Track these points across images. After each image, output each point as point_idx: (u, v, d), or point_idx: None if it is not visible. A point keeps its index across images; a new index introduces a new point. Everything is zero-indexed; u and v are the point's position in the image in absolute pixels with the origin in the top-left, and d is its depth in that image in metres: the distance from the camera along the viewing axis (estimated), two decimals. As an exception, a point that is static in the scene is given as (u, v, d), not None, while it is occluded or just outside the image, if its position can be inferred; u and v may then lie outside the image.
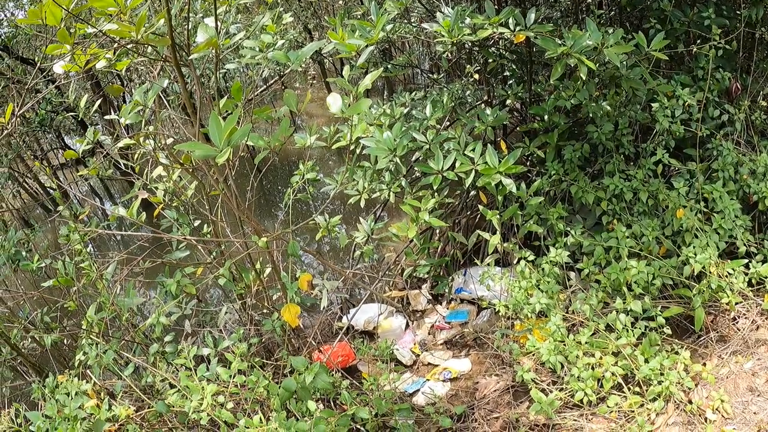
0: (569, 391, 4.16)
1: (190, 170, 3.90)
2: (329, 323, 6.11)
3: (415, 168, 4.77)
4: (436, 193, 4.98)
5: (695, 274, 4.49)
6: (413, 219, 4.30)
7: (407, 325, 5.85)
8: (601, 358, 4.15)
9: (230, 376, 3.46)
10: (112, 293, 4.31)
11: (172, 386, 3.61)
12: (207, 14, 3.84)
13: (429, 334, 5.78)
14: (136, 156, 4.54)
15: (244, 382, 3.57)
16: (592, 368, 4.14)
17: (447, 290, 5.99)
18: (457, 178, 4.33)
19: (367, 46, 4.25)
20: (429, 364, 5.42)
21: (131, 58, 3.49)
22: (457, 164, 4.33)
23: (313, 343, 5.46)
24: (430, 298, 6.15)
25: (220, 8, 3.56)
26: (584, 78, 3.95)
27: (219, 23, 3.27)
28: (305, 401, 3.31)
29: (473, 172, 4.29)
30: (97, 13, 2.97)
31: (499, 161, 4.20)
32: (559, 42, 4.02)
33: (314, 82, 13.22)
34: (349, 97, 3.96)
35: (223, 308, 4.82)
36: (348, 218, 8.31)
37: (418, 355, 5.52)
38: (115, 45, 3.24)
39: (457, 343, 5.58)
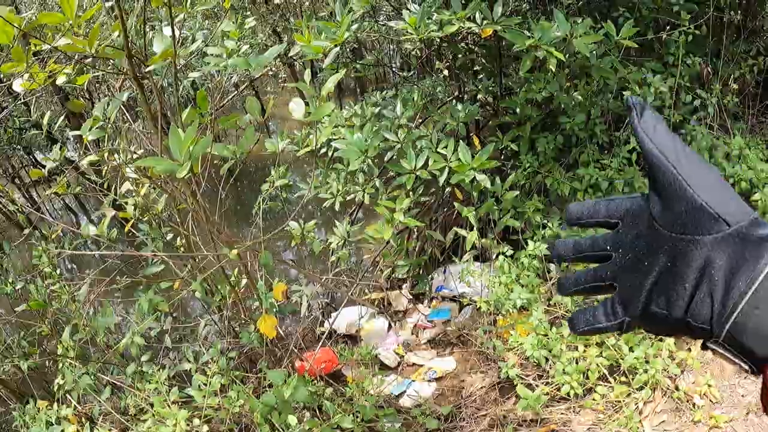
0: (555, 385, 4.13)
1: (159, 184, 3.82)
2: (312, 329, 6.04)
3: (388, 168, 4.72)
4: (410, 193, 4.93)
5: (675, 260, 4.46)
6: (388, 220, 4.25)
7: (390, 327, 5.80)
8: (584, 350, 4.12)
9: (204, 396, 3.39)
10: (86, 314, 4.23)
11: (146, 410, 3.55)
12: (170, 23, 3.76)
13: (412, 334, 5.73)
14: (104, 171, 4.46)
15: (218, 403, 3.50)
16: (577, 361, 4.10)
17: (427, 289, 5.94)
18: (430, 177, 4.28)
19: (333, 47, 4.19)
20: (414, 364, 5.37)
21: (91, 72, 3.41)
22: (430, 162, 4.28)
23: (296, 351, 5.41)
24: (411, 297, 6.10)
25: (179, 16, 3.48)
26: (554, 69, 3.90)
27: (177, 32, 3.19)
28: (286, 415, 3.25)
29: (447, 169, 4.24)
30: (47, 29, 2.89)
31: (473, 157, 4.16)
32: (527, 34, 3.97)
33: (285, 85, 13.12)
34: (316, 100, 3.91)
35: (202, 321, 4.75)
36: (326, 222, 8.22)
37: (402, 356, 5.47)
38: (74, 60, 3.17)
39: (441, 342, 5.53)
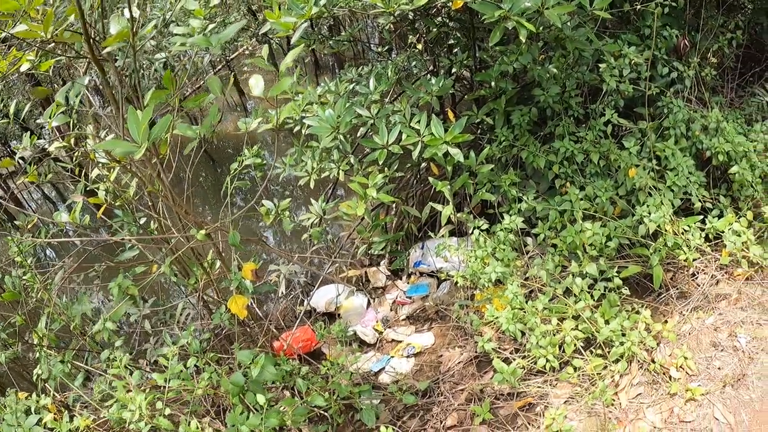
0: (532, 358, 4.13)
1: (128, 168, 3.78)
2: (292, 308, 6.03)
3: (362, 144, 4.68)
4: (386, 168, 4.91)
5: (651, 233, 4.45)
6: (362, 196, 4.23)
7: (369, 303, 5.79)
8: (558, 324, 4.12)
9: (166, 380, 3.37)
10: (61, 302, 4.20)
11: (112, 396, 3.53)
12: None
13: (391, 310, 5.73)
14: (74, 158, 4.41)
15: (180, 385, 3.48)
16: (553, 334, 4.10)
17: (405, 264, 5.94)
18: (402, 152, 4.25)
19: (302, 22, 4.14)
20: (393, 340, 5.38)
21: (53, 58, 3.36)
22: (404, 137, 4.25)
23: (274, 330, 5.40)
24: (389, 274, 6.09)
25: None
26: (524, 41, 3.85)
27: (138, 12, 3.15)
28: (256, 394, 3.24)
29: (420, 143, 4.21)
30: (5, 16, 2.84)
31: (446, 131, 4.13)
32: (498, 5, 3.92)
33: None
34: (293, 76, 3.86)
35: (180, 304, 4.73)
36: (307, 200, 8.17)
37: (381, 333, 5.47)
38: (34, 46, 3.12)
39: (420, 317, 5.54)
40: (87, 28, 2.89)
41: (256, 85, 2.84)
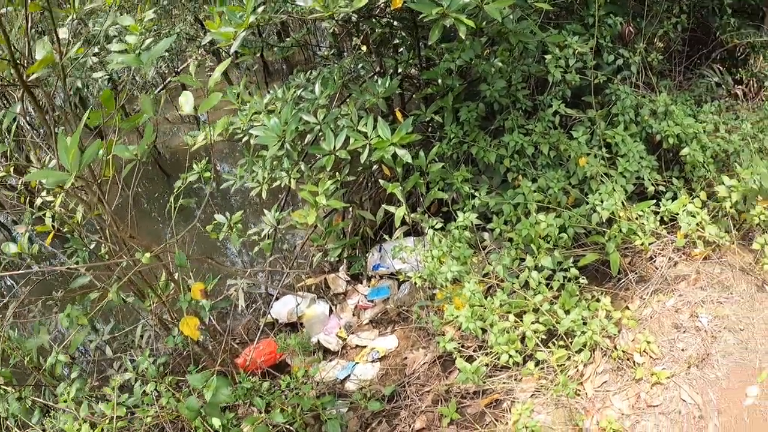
0: (495, 355, 4.10)
1: (72, 193, 3.69)
2: (255, 321, 5.94)
3: (308, 151, 4.63)
4: (337, 173, 4.86)
5: (605, 220, 4.45)
6: (312, 204, 4.18)
7: (331, 311, 5.74)
8: (517, 321, 4.10)
9: (112, 407, 3.30)
10: (14, 336, 4.11)
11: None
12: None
13: (354, 315, 5.68)
14: (18, 186, 4.32)
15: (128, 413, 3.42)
16: (513, 330, 4.08)
17: (363, 269, 5.90)
18: (350, 157, 4.21)
19: (242, 32, 4.08)
20: (357, 346, 5.34)
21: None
22: (351, 141, 4.21)
23: (235, 345, 5.33)
24: (349, 279, 6.04)
25: (68, 17, 3.35)
26: (463, 38, 3.82)
27: (67, 35, 3.08)
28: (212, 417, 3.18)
29: (368, 147, 4.17)
30: None
31: (393, 132, 4.10)
32: (436, 2, 3.88)
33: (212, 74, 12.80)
34: (239, 86, 3.81)
35: (138, 327, 4.65)
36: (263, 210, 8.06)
37: (345, 339, 5.42)
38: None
39: (383, 321, 5.50)
40: (13, 54, 2.81)
41: (186, 102, 2.77)
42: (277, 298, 5.81)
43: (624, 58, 5.23)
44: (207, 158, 4.95)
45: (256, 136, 4.50)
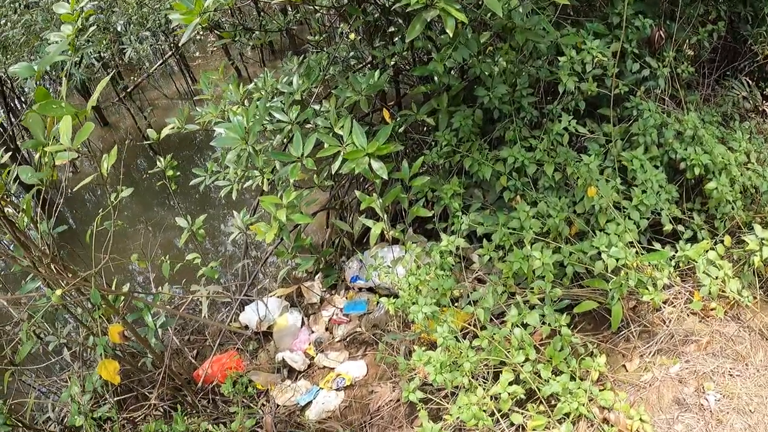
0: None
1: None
2: (222, 328, 5.36)
3: (274, 158, 3.96)
4: (315, 177, 4.23)
5: (610, 270, 3.75)
6: (274, 218, 3.55)
7: (303, 322, 5.15)
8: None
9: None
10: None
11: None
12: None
13: (326, 329, 5.10)
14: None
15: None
16: (486, 390, 3.46)
17: (339, 280, 5.35)
18: (315, 167, 3.58)
19: (198, 17, 3.47)
20: (324, 367, 4.78)
21: None
22: (325, 146, 3.55)
23: (194, 361, 4.83)
24: (325, 289, 5.45)
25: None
26: (451, 33, 3.12)
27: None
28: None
29: (340, 156, 3.50)
30: None
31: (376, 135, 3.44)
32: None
33: (215, 50, 12.24)
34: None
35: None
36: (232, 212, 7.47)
37: (313, 358, 4.85)
38: None
39: (355, 340, 4.93)
40: None
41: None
42: (248, 303, 5.26)
43: (651, 69, 4.54)
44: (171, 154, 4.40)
45: (218, 135, 3.89)
